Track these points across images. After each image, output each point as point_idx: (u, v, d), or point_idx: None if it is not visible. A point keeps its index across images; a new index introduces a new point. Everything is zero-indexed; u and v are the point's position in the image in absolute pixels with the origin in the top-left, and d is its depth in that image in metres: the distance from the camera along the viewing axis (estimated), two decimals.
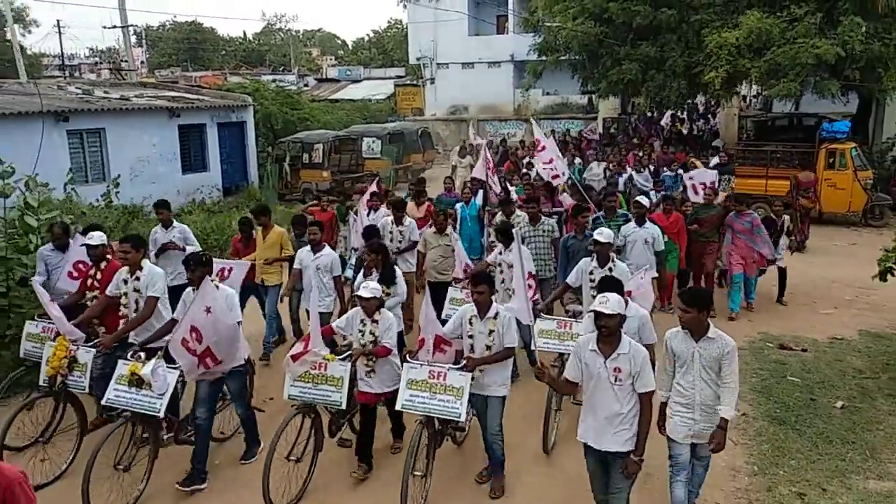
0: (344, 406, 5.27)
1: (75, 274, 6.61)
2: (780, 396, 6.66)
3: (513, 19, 30.50)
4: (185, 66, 61.80)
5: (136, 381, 5.14)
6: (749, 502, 5.10)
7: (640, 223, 8.08)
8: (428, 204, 9.99)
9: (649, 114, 25.50)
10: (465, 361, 5.10)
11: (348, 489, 5.47)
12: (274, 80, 31.71)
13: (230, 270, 6.98)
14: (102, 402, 5.41)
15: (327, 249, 7.43)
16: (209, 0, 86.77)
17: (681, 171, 13.70)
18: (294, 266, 7.56)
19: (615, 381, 4.18)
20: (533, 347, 5.92)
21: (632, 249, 7.97)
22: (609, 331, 4.17)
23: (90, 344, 5.74)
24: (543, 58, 18.77)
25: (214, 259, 6.48)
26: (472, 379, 5.08)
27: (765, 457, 5.67)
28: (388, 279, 6.39)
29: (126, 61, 32.03)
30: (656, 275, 7.75)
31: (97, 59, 69.68)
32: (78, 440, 5.77)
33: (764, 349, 7.93)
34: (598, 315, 4.14)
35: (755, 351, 7.88)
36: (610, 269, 6.20)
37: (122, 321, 5.91)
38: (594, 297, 5.81)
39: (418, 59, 33.49)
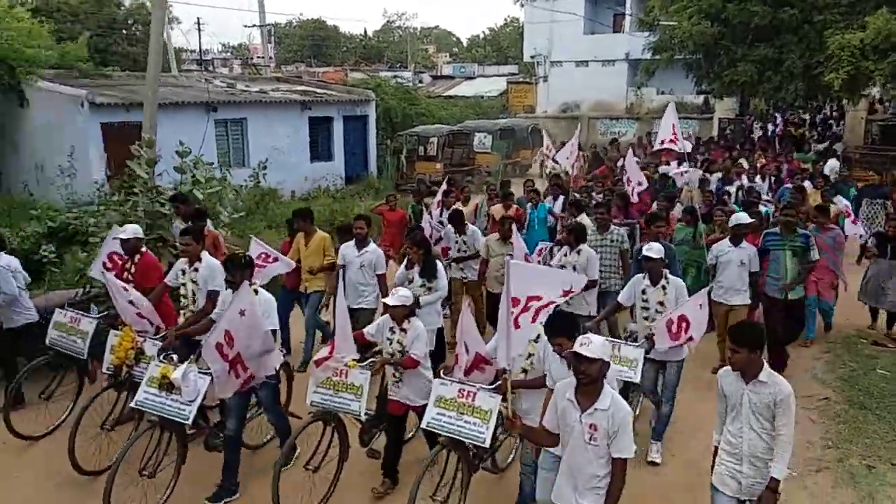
0: (363, 416, 5.02)
1: (109, 265, 6.48)
2: (865, 385, 6.96)
3: (629, 18, 30.50)
4: (309, 62, 64.75)
5: (167, 385, 4.94)
6: (819, 469, 5.56)
7: (736, 242, 7.20)
8: (516, 207, 9.49)
9: (749, 118, 24.90)
10: (499, 382, 4.61)
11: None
12: (395, 77, 33.17)
13: (274, 260, 6.67)
14: (132, 405, 5.23)
15: (372, 246, 7.13)
16: None
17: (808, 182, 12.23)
18: (337, 262, 7.23)
19: (589, 439, 3.66)
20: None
21: (724, 271, 7.20)
22: (588, 379, 3.61)
23: (157, 336, 5.63)
24: (657, 57, 18.99)
25: (260, 242, 6.66)
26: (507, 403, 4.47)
27: (841, 434, 6.07)
28: (429, 273, 6.31)
29: (262, 57, 34.62)
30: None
31: (228, 54, 74.67)
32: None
33: (858, 344, 8.14)
34: (578, 358, 3.58)
35: (848, 345, 8.12)
36: (663, 288, 5.71)
37: (182, 312, 5.94)
38: (646, 318, 5.67)
39: (532, 58, 34.09)
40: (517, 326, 4.32)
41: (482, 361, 4.91)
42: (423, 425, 4.73)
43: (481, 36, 78.49)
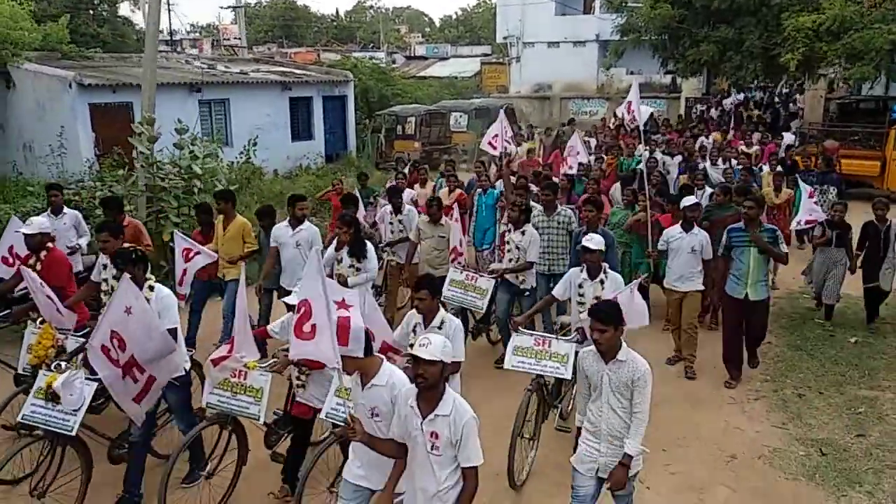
0: (262, 421, 4.72)
1: (10, 260, 6.23)
2: (802, 332, 7.92)
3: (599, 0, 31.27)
4: (280, 42, 64.37)
5: (52, 396, 4.51)
6: (757, 398, 6.47)
7: (687, 228, 6.98)
8: (459, 192, 9.62)
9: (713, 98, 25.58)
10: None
11: None
12: (370, 58, 33.58)
13: (196, 254, 6.47)
14: (18, 419, 4.76)
15: (307, 223, 7.02)
16: None
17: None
18: (271, 244, 7.07)
19: (431, 448, 3.38)
20: (507, 366, 5.29)
21: (675, 257, 6.99)
22: (426, 383, 3.31)
23: (80, 333, 5.30)
24: (625, 38, 19.77)
25: (182, 236, 6.54)
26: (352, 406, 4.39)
27: (778, 370, 7.02)
28: (358, 253, 6.22)
29: (238, 38, 34.70)
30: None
31: (197, 34, 73.84)
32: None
33: (799, 299, 9.09)
34: (415, 361, 3.30)
35: (791, 300, 9.07)
36: (601, 282, 5.47)
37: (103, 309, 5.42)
38: (582, 313, 5.31)
39: (505, 38, 34.68)
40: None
41: (389, 350, 4.66)
42: (321, 415, 4.54)
43: (454, 16, 78.76)
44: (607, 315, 3.82)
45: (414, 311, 4.74)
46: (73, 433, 4.52)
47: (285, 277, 7.01)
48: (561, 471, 4.88)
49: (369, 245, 6.41)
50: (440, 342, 3.37)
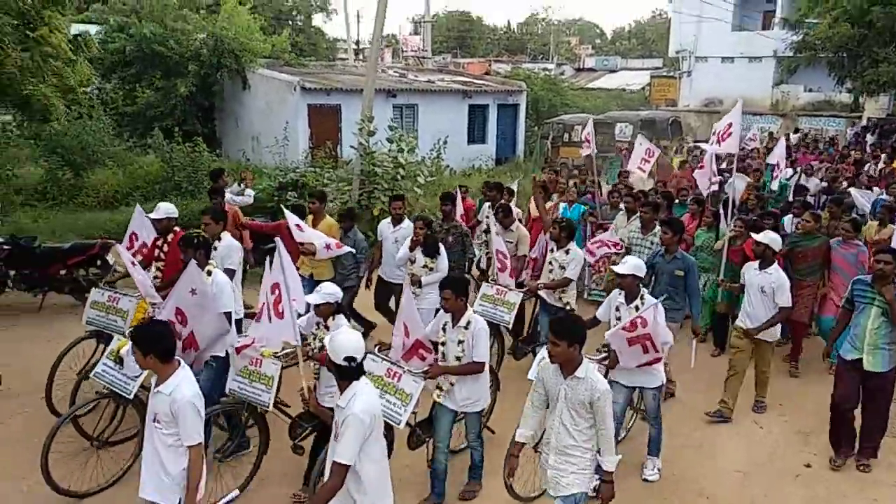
0: (270, 408, 4.93)
1: (128, 244, 6.54)
2: None
3: (780, 15, 30.74)
4: (454, 52, 67.45)
5: (119, 360, 4.97)
6: None
7: (762, 265, 6.29)
8: (552, 204, 9.43)
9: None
10: (428, 368, 4.88)
11: None
12: (544, 70, 35.21)
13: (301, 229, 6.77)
14: (90, 375, 5.28)
15: (406, 222, 7.41)
16: None
17: None
18: (378, 238, 7.71)
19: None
20: (530, 377, 4.85)
21: (747, 295, 6.40)
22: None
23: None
24: (799, 55, 19.88)
25: (291, 214, 6.79)
26: (443, 391, 4.94)
27: None
28: (431, 251, 6.60)
29: (424, 49, 37.70)
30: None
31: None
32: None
33: None
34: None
35: None
36: (636, 308, 5.21)
37: None
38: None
39: (678, 52, 34.92)
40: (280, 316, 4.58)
41: (421, 347, 4.93)
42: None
43: (626, 28, 78.44)
44: (560, 329, 3.80)
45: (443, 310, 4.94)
46: (131, 396, 4.96)
47: (383, 269, 7.68)
48: None
49: (442, 246, 6.74)
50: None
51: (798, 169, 12.82)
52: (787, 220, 8.68)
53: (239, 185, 9.97)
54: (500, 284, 6.67)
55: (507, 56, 61.72)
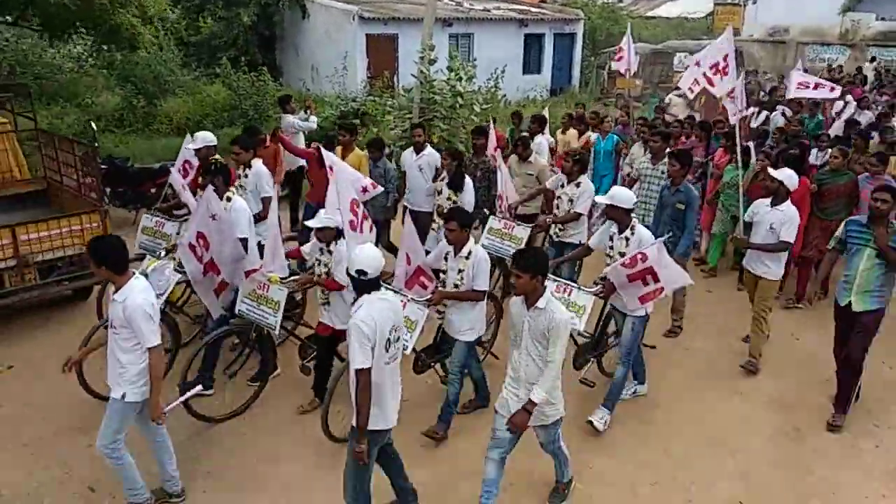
0: (277, 331, 5.18)
1: (182, 171, 6.76)
2: None
3: None
4: None
5: (145, 277, 5.08)
6: None
7: (774, 202, 6.03)
8: (588, 134, 9.46)
9: None
10: (430, 295, 4.98)
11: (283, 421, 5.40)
12: None
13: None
14: None
15: (429, 149, 7.46)
16: None
17: None
18: (400, 167, 7.70)
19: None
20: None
21: (755, 233, 6.15)
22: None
23: None
24: None
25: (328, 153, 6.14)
26: (441, 315, 5.11)
27: None
28: (456, 185, 6.63)
29: None
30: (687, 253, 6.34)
31: None
32: None
33: None
34: None
35: None
36: (626, 239, 5.22)
37: None
38: (607, 264, 5.28)
39: None
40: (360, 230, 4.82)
41: (423, 275, 5.11)
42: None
43: None
44: (523, 262, 3.87)
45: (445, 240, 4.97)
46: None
47: (408, 198, 7.69)
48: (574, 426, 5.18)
49: (467, 179, 6.74)
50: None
51: (846, 101, 12.33)
52: (814, 153, 8.53)
53: (305, 111, 10.52)
54: (506, 218, 6.67)
55: None
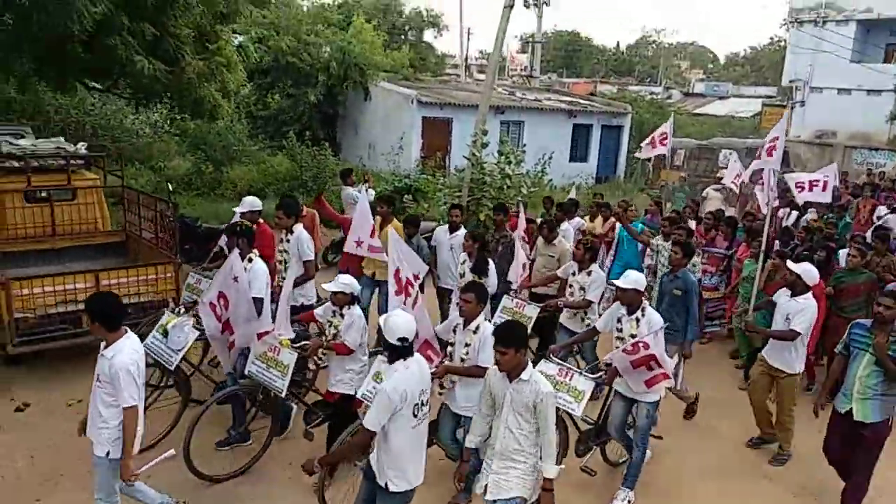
0: (284, 394, 5.21)
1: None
2: None
3: None
4: (560, 72, 67.66)
5: (164, 333, 5.46)
6: None
7: (795, 293, 6.01)
8: (612, 221, 9.65)
9: None
10: (435, 368, 4.94)
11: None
12: (651, 94, 35.46)
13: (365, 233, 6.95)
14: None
15: (462, 230, 7.76)
16: (590, 9, 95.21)
17: None
18: (432, 242, 7.98)
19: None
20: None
21: (774, 322, 6.21)
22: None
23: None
24: None
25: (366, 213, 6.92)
26: (444, 389, 5.09)
27: None
28: (480, 269, 6.72)
29: (526, 67, 38.72)
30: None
31: (484, 60, 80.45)
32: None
33: None
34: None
35: None
36: (637, 320, 5.27)
37: (277, 275, 6.35)
38: (617, 347, 5.26)
39: (791, 82, 34.25)
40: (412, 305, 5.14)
41: (429, 349, 5.14)
42: (359, 395, 5.04)
43: (741, 54, 76.51)
44: (506, 337, 3.88)
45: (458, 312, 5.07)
46: (173, 367, 5.49)
47: (439, 275, 8.04)
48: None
49: (491, 265, 6.88)
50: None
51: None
52: (843, 253, 8.42)
53: (364, 184, 11.24)
54: (519, 297, 6.83)
55: (615, 78, 61.45)
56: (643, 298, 5.34)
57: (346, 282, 5.18)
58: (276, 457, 5.74)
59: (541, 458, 3.95)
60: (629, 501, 5.36)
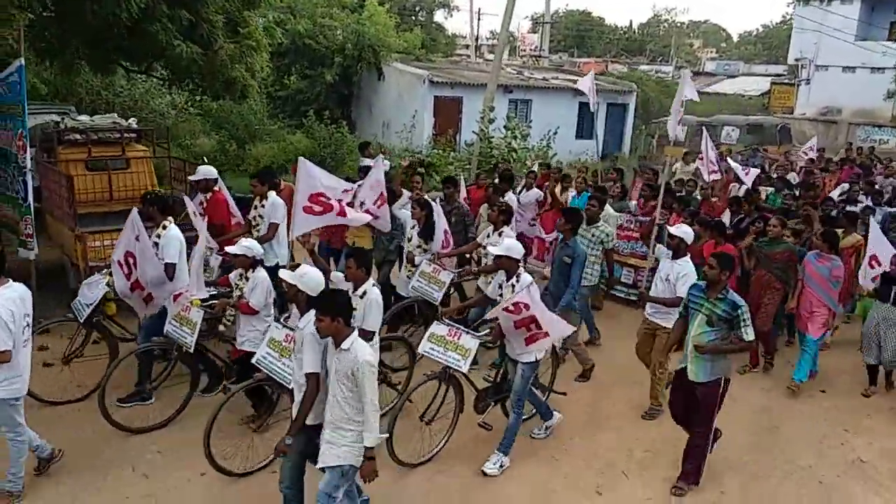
0: (191, 349, 5.47)
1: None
2: None
3: None
4: (571, 52, 67.60)
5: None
6: None
7: (675, 256, 6.27)
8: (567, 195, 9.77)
9: None
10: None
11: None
12: (656, 72, 36.04)
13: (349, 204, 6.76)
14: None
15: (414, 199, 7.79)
16: None
17: None
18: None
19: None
20: (420, 351, 5.54)
21: (654, 283, 6.46)
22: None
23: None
24: None
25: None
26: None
27: None
28: (426, 235, 7.01)
29: (535, 47, 39.34)
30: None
31: (495, 41, 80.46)
32: None
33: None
34: None
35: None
36: (512, 286, 5.40)
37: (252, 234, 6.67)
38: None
39: (797, 60, 34.71)
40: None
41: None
42: (254, 360, 5.04)
43: (754, 33, 76.16)
44: (325, 305, 3.91)
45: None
46: (83, 320, 5.88)
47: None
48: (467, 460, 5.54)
49: (438, 229, 7.04)
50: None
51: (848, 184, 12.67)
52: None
53: (381, 156, 12.20)
54: (436, 263, 6.93)
55: (626, 57, 61.39)
56: (518, 265, 5.50)
57: (247, 245, 5.46)
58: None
59: (348, 424, 3.95)
60: (502, 465, 5.45)
